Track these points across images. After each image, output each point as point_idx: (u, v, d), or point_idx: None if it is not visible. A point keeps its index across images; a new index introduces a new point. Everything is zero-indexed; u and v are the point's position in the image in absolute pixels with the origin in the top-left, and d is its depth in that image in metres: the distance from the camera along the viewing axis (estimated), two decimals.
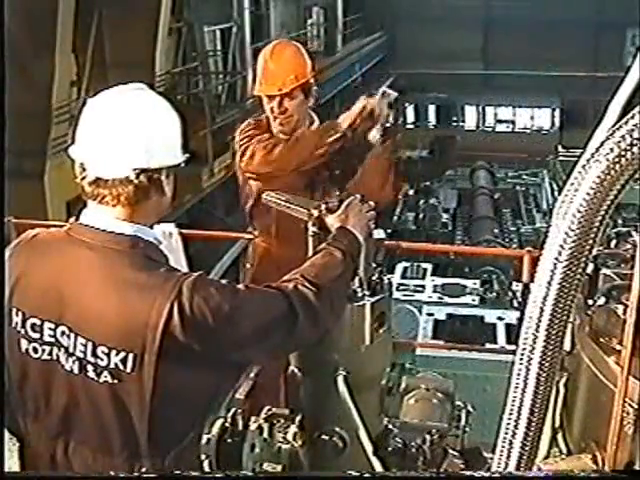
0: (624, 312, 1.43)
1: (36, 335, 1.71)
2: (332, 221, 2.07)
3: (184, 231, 4.21)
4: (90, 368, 1.66)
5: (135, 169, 1.63)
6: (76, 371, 1.68)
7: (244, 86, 13.18)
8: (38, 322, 1.69)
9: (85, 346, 1.65)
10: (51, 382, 1.74)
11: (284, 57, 3.08)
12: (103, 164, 1.64)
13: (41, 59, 7.68)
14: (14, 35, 6.79)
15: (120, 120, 1.64)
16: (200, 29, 12.10)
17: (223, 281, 1.78)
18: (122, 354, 1.61)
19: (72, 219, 1.74)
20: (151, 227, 1.76)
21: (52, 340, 1.69)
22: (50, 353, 1.71)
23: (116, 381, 1.64)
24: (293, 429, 2.17)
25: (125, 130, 1.63)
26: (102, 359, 1.63)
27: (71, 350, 1.67)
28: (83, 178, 1.67)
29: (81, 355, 1.66)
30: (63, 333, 1.67)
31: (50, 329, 1.68)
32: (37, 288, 1.70)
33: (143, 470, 1.72)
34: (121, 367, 1.62)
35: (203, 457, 2.20)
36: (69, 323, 1.66)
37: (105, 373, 1.65)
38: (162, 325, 1.57)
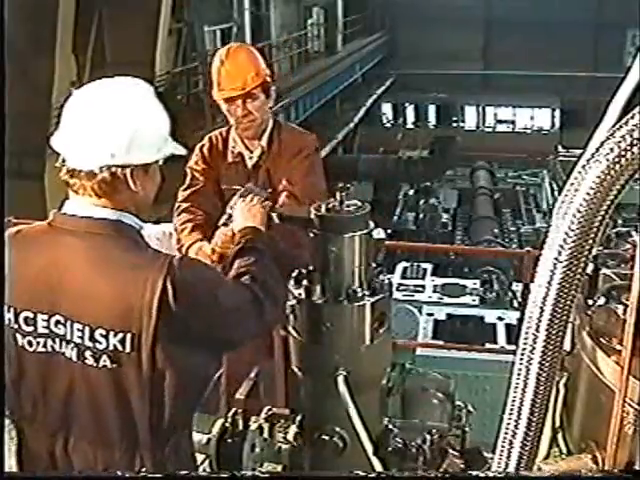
0: (624, 312, 1.43)
1: (30, 328, 1.72)
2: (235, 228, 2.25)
3: None
4: (88, 354, 1.68)
5: (100, 164, 1.67)
6: (74, 358, 1.69)
7: None
8: (31, 315, 1.71)
9: (82, 331, 1.66)
10: (48, 376, 1.75)
11: (240, 58, 3.03)
12: (73, 155, 1.69)
13: (41, 59, 7.68)
14: (14, 35, 6.79)
15: (88, 115, 1.67)
16: (200, 29, 12.11)
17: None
18: (120, 335, 1.63)
19: (54, 210, 1.77)
20: (144, 221, 1.82)
21: (46, 331, 1.71)
22: (45, 345, 1.72)
23: (115, 365, 1.66)
24: (293, 429, 2.17)
25: (91, 125, 1.66)
26: (100, 342, 1.65)
27: (68, 338, 1.69)
28: (62, 167, 1.72)
29: (79, 341, 1.67)
30: (58, 322, 1.69)
31: (44, 320, 1.70)
32: (26, 282, 1.70)
33: (144, 461, 1.73)
34: (120, 348, 1.64)
35: (203, 457, 2.21)
36: (63, 311, 1.68)
37: (104, 357, 1.66)
38: (157, 301, 1.61)
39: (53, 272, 1.68)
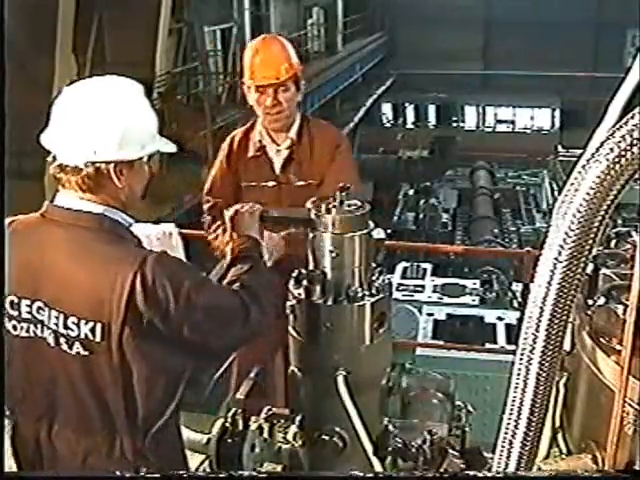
0: (624, 312, 1.43)
1: (14, 312, 1.79)
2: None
3: (184, 231, 4.20)
4: (62, 340, 1.74)
5: (85, 160, 1.73)
6: (52, 344, 1.76)
7: None
8: (16, 299, 1.78)
9: (57, 318, 1.73)
10: (32, 361, 1.81)
11: (274, 48, 3.07)
12: (60, 151, 1.75)
13: (41, 59, 7.68)
14: (14, 35, 6.78)
15: (73, 112, 1.74)
16: (200, 29, 12.09)
17: (189, 264, 1.91)
18: (90, 324, 1.70)
19: (47, 202, 1.83)
20: (136, 220, 1.86)
21: (29, 316, 1.77)
22: (27, 330, 1.79)
23: (87, 353, 1.73)
24: (293, 429, 2.17)
25: (76, 122, 1.73)
26: (72, 330, 1.72)
27: (46, 323, 1.75)
28: (52, 162, 1.78)
29: (54, 327, 1.74)
30: (39, 308, 1.75)
31: (27, 305, 1.77)
32: (15, 269, 1.76)
33: (124, 448, 1.80)
34: (90, 337, 1.70)
35: (203, 457, 2.21)
36: (44, 298, 1.75)
37: (77, 344, 1.73)
38: (126, 295, 1.66)
39: (39, 260, 1.75)
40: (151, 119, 1.84)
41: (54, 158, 1.77)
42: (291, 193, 3.05)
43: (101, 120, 1.72)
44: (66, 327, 1.73)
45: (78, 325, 1.71)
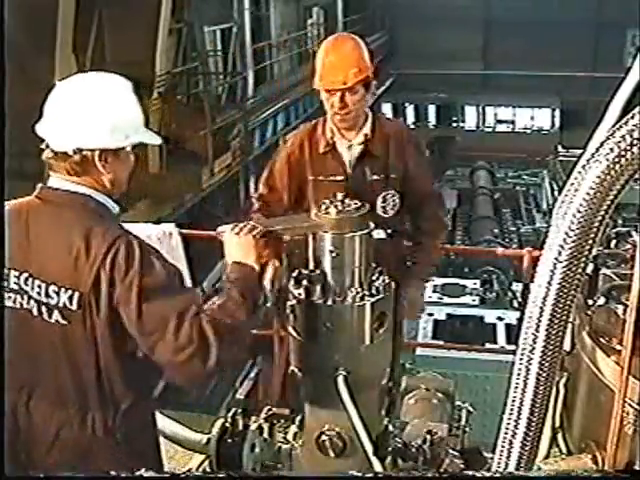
0: (624, 312, 1.43)
1: (4, 283, 1.89)
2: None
3: (184, 231, 4.21)
4: (44, 309, 1.84)
5: (73, 147, 1.86)
6: (35, 313, 1.86)
7: (244, 86, 13.17)
8: (5, 271, 1.88)
9: (40, 287, 1.85)
10: (16, 333, 1.88)
11: (346, 50, 3.04)
12: (51, 139, 1.88)
13: (41, 59, 7.67)
14: (14, 35, 6.78)
15: (63, 103, 1.88)
16: (200, 29, 12.07)
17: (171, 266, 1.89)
18: (69, 292, 1.81)
19: (40, 185, 1.95)
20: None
21: (16, 287, 1.88)
22: (15, 301, 1.88)
23: (65, 322, 1.82)
24: (293, 429, 2.17)
25: (65, 112, 1.87)
26: (53, 298, 1.83)
27: (30, 293, 1.86)
28: (45, 149, 1.90)
29: (37, 297, 1.85)
30: (26, 280, 1.86)
31: (15, 277, 1.88)
32: (10, 245, 1.86)
33: (95, 424, 1.88)
34: (68, 305, 1.81)
35: (203, 457, 2.21)
36: (31, 269, 1.86)
37: (56, 312, 1.83)
38: (96, 268, 1.77)
39: (29, 236, 1.88)
40: (136, 112, 1.95)
41: (47, 146, 1.89)
42: (361, 187, 3.08)
43: (88, 111, 1.85)
44: (47, 295, 1.84)
45: (58, 293, 1.82)
